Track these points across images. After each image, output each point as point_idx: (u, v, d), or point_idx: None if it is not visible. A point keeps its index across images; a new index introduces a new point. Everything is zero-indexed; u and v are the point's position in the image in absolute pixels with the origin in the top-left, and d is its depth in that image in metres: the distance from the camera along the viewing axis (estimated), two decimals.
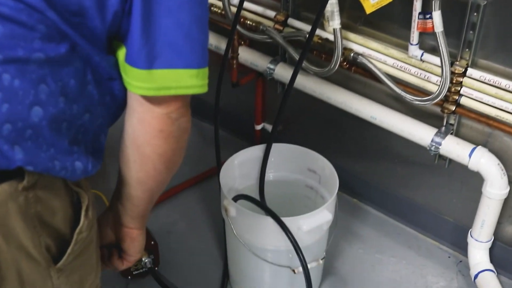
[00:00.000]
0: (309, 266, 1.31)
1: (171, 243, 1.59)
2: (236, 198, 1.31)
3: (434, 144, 1.37)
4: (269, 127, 1.78)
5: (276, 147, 1.44)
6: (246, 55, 1.64)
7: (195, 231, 1.63)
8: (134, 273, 1.44)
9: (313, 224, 1.26)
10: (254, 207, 1.32)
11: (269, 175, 1.47)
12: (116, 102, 0.72)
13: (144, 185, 0.79)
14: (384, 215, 1.66)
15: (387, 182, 1.63)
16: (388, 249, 1.57)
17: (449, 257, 1.54)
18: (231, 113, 1.90)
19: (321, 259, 1.35)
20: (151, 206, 0.85)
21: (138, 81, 0.67)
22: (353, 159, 1.69)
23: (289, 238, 1.23)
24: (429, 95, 1.33)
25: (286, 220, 1.24)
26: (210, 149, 1.67)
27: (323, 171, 1.41)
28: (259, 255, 1.30)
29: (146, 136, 0.72)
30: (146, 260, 1.41)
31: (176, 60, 0.67)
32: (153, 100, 0.69)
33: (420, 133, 1.39)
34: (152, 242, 1.45)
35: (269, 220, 1.24)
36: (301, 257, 1.24)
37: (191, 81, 0.68)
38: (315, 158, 1.42)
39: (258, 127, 1.81)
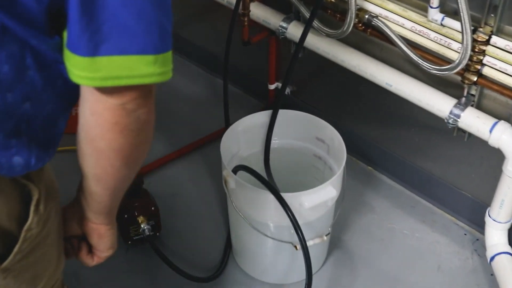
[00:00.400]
0: (312, 242, 1.25)
1: (175, 206, 1.54)
2: (236, 169, 1.24)
3: (452, 116, 1.26)
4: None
5: (283, 114, 1.36)
6: (258, 12, 1.53)
7: (201, 195, 1.57)
8: (134, 238, 1.39)
9: (316, 201, 1.18)
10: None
11: (275, 142, 1.39)
12: (70, 85, 0.63)
13: (103, 182, 0.71)
14: (399, 186, 1.57)
15: (403, 151, 1.53)
16: (400, 222, 1.49)
17: (465, 234, 1.46)
18: (245, 71, 1.81)
19: (326, 235, 1.28)
20: (117, 203, 0.77)
21: (80, 69, 0.58)
22: (368, 125, 1.59)
23: (288, 215, 1.16)
24: (450, 63, 1.22)
25: (286, 196, 1.16)
26: (222, 107, 1.59)
27: (332, 141, 1.32)
28: (259, 229, 1.24)
29: (99, 129, 0.63)
30: (145, 228, 1.36)
31: (127, 44, 0.57)
32: (104, 89, 0.60)
33: (438, 103, 1.29)
34: (153, 208, 1.40)
35: (269, 195, 1.17)
36: (301, 236, 1.17)
37: (147, 69, 0.59)
38: (324, 127, 1.33)
39: (272, 87, 1.72)
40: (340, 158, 1.27)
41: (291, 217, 1.16)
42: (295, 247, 1.23)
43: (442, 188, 1.48)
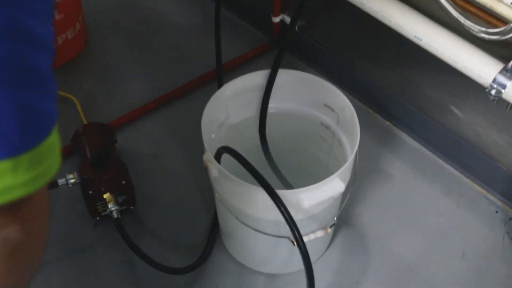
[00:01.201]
0: (313, 236, 1.03)
1: (154, 170, 1.31)
2: (220, 152, 0.99)
3: (496, 85, 0.99)
4: (288, 21, 1.40)
5: (284, 75, 1.09)
6: None
7: (185, 157, 1.32)
8: (102, 214, 1.18)
9: (319, 199, 0.95)
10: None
11: (273, 107, 1.13)
12: None
13: None
14: (422, 147, 1.32)
15: (430, 110, 1.27)
16: (421, 194, 1.25)
17: (496, 212, 1.22)
18: None
19: (330, 227, 1.06)
20: None
21: None
22: (390, 75, 1.32)
23: (284, 216, 0.92)
24: (499, 21, 0.93)
25: (282, 194, 0.92)
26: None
27: (343, 111, 1.06)
28: (250, 224, 1.02)
29: None
30: (113, 209, 1.13)
31: None
32: None
33: (479, 68, 1.02)
34: (124, 182, 1.16)
35: (261, 191, 0.93)
36: (298, 236, 0.93)
37: (1, 180, 0.39)
38: (334, 94, 1.06)
39: (276, 20, 1.43)
40: (352, 134, 1.02)
41: (286, 216, 0.92)
42: (292, 242, 1.00)
43: (474, 156, 1.23)
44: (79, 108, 1.38)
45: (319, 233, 1.04)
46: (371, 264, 1.16)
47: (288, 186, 1.15)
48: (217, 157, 0.99)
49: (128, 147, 1.34)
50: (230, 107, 1.10)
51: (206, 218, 1.21)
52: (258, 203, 0.96)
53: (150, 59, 1.51)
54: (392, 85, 1.32)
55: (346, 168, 0.97)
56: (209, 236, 1.18)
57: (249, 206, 0.99)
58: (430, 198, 1.24)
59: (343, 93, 1.05)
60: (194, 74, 1.45)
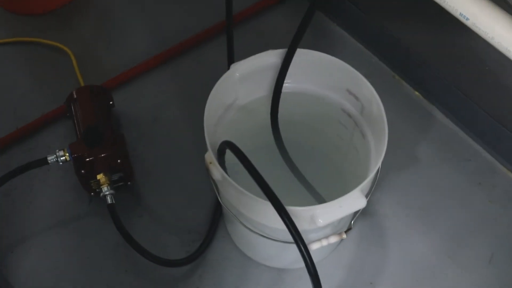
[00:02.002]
0: (326, 242, 0.91)
1: (155, 138, 1.18)
2: (223, 148, 0.86)
3: None
4: None
5: (301, 55, 0.93)
6: None
7: (191, 121, 1.19)
8: (97, 190, 1.07)
9: (335, 216, 0.83)
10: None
11: (288, 86, 0.99)
12: None
13: None
14: (455, 126, 1.18)
15: (468, 88, 1.12)
16: (449, 180, 1.12)
17: None
18: None
19: (346, 231, 0.94)
20: None
21: None
22: (425, 41, 1.16)
23: (290, 230, 0.80)
24: None
25: (293, 210, 0.81)
26: None
27: (369, 103, 0.92)
28: (255, 229, 0.91)
29: None
30: (107, 193, 1.02)
31: None
32: None
33: None
34: (119, 160, 1.05)
35: (269, 205, 0.81)
36: (305, 253, 0.82)
37: None
38: (359, 81, 0.92)
39: None
40: (379, 133, 0.89)
41: (293, 232, 0.80)
42: None
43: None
44: (75, 63, 1.24)
45: (333, 239, 0.92)
46: (387, 263, 1.05)
47: (297, 171, 1.03)
48: (220, 153, 0.86)
49: (127, 109, 1.21)
50: (239, 88, 0.96)
51: (209, 197, 1.10)
52: (267, 214, 0.84)
53: (154, 3, 1.34)
54: (426, 51, 1.16)
55: (368, 181, 0.84)
56: (211, 222, 1.07)
57: (255, 214, 0.87)
58: (459, 188, 1.12)
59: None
60: (203, 25, 1.29)
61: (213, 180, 0.88)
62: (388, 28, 1.18)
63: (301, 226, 0.84)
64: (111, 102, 1.15)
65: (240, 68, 0.93)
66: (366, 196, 0.90)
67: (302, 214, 0.82)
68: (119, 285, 1.03)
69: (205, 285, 1.03)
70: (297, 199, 1.03)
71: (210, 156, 0.85)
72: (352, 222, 0.95)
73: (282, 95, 0.97)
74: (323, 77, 0.96)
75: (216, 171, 0.84)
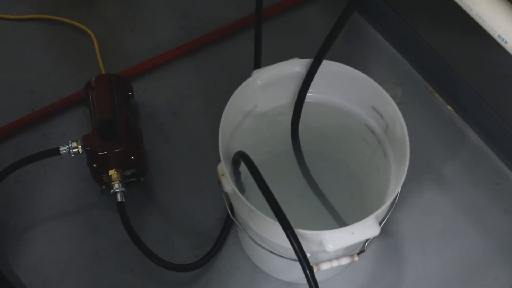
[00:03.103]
0: (337, 263, 0.87)
1: (172, 132, 1.15)
2: (236, 159, 0.82)
3: None
4: None
5: (327, 67, 0.88)
6: None
7: (211, 118, 1.14)
8: (108, 184, 1.05)
9: (346, 243, 0.79)
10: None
11: (311, 96, 0.94)
12: None
13: None
14: (487, 148, 1.11)
15: (504, 110, 1.05)
16: (474, 204, 1.07)
17: None
18: None
19: (358, 254, 0.90)
20: None
21: None
22: (463, 55, 1.09)
23: (296, 254, 0.76)
24: None
25: (303, 234, 0.77)
26: None
27: (393, 123, 0.87)
28: (263, 244, 0.87)
29: None
30: (118, 190, 1.00)
31: None
32: None
33: None
34: (133, 157, 1.02)
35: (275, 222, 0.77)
36: (310, 277, 0.78)
37: None
38: (384, 100, 0.87)
39: None
40: (401, 156, 0.84)
41: (300, 254, 0.76)
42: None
43: None
44: (97, 47, 1.21)
45: (344, 260, 0.88)
46: (400, 285, 1.01)
47: (314, 184, 0.99)
48: (235, 163, 0.83)
49: (147, 101, 1.18)
50: (259, 95, 0.92)
51: (223, 199, 1.06)
52: (276, 233, 0.81)
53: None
54: (463, 66, 1.10)
55: (384, 209, 0.79)
56: (223, 228, 1.04)
57: (264, 231, 0.83)
58: (484, 212, 1.06)
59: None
60: (233, 17, 1.24)
61: (224, 193, 0.84)
62: (425, 37, 1.12)
63: (310, 248, 0.80)
64: (130, 93, 1.11)
65: (262, 75, 0.88)
66: (382, 221, 0.86)
67: (311, 237, 0.78)
68: (123, 284, 1.01)
69: None
70: (312, 212, 1.00)
71: (222, 168, 0.81)
72: (366, 244, 0.91)
73: (304, 104, 0.93)
74: (348, 91, 0.91)
75: (227, 184, 0.81)
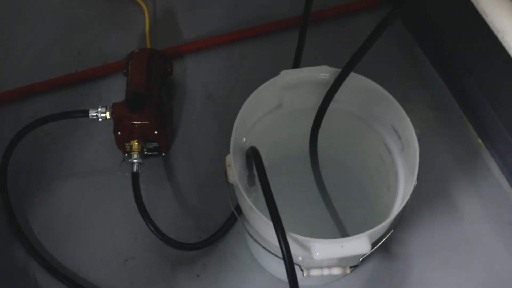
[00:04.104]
0: (328, 272, 0.88)
1: (203, 114, 1.18)
2: (249, 153, 0.85)
3: None
4: None
5: (355, 79, 0.89)
6: None
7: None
8: (129, 153, 1.08)
9: (334, 255, 0.79)
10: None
11: (334, 105, 0.94)
12: None
13: None
14: (510, 188, 1.10)
15: None
16: (487, 243, 1.05)
17: None
18: None
19: (351, 267, 0.91)
20: None
21: None
22: (501, 96, 1.07)
23: (282, 253, 0.78)
24: None
25: (292, 236, 0.78)
26: None
27: (408, 146, 0.87)
28: (259, 240, 0.89)
29: None
30: (135, 161, 1.03)
31: None
32: None
33: None
34: (156, 132, 1.05)
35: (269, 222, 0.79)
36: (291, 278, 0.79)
37: None
38: (404, 123, 0.86)
39: None
40: (408, 181, 0.84)
41: (287, 261, 0.78)
42: (302, 271, 0.88)
43: None
44: (147, 20, 1.24)
45: (335, 271, 0.89)
46: None
47: (324, 191, 1.00)
48: (248, 157, 0.85)
49: (185, 80, 1.21)
50: (284, 95, 0.93)
51: None
52: (270, 232, 0.82)
53: None
54: (501, 104, 1.08)
55: (379, 229, 0.80)
56: (229, 217, 1.06)
57: (260, 229, 0.85)
58: (491, 251, 1.05)
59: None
60: (288, 12, 1.25)
61: (228, 183, 0.86)
62: (469, 68, 1.11)
63: (300, 252, 0.82)
64: (169, 70, 1.14)
65: (289, 76, 0.89)
66: (380, 240, 0.87)
67: (302, 242, 0.79)
68: (125, 251, 1.04)
69: (206, 275, 1.03)
70: (318, 218, 1.01)
71: (230, 159, 0.83)
72: (361, 259, 0.91)
73: (328, 111, 0.93)
74: (372, 107, 0.91)
75: (232, 176, 0.83)
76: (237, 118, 0.85)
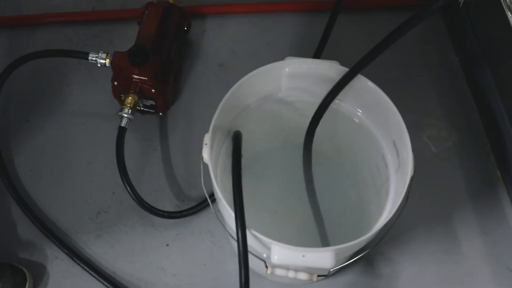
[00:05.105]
0: (294, 275, 0.83)
1: (212, 81, 1.12)
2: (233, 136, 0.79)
3: None
4: None
5: (361, 83, 0.81)
6: None
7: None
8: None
9: (293, 262, 0.74)
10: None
11: (337, 103, 0.88)
12: None
13: None
14: None
15: None
16: (475, 282, 0.97)
17: None
18: None
19: (319, 276, 0.84)
20: None
21: None
22: None
23: (238, 248, 0.73)
24: None
25: (254, 234, 0.73)
26: None
27: (404, 165, 0.80)
28: (225, 225, 0.84)
29: None
30: (125, 115, 0.98)
31: None
32: None
33: None
34: (153, 91, 1.00)
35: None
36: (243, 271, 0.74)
37: None
38: (404, 141, 0.79)
39: None
40: (394, 203, 0.77)
41: (241, 248, 0.72)
42: (266, 267, 0.82)
43: None
44: None
45: (301, 276, 0.83)
46: None
47: (311, 190, 0.94)
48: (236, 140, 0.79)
49: (201, 42, 1.15)
50: (284, 83, 0.86)
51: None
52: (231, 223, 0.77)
53: None
54: None
55: (348, 247, 0.73)
56: (212, 194, 1.00)
57: (225, 213, 0.80)
58: None
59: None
60: None
61: (203, 163, 0.81)
62: (503, 96, 1.01)
63: (263, 250, 0.76)
64: (185, 28, 1.08)
65: (294, 64, 0.83)
66: (353, 257, 0.80)
67: (264, 242, 0.73)
68: (101, 204, 1.01)
69: (175, 246, 0.98)
70: (297, 213, 0.95)
71: (207, 138, 0.78)
72: (332, 270, 0.85)
73: (330, 108, 0.86)
74: (377, 115, 0.84)
75: (206, 154, 0.77)
76: (226, 97, 0.79)
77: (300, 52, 1.08)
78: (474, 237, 1.00)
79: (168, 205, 1.01)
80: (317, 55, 1.04)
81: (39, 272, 0.95)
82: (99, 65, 0.99)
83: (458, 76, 1.14)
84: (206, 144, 0.78)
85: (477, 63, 1.08)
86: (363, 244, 0.77)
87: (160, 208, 0.99)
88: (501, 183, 1.04)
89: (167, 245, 0.98)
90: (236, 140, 0.77)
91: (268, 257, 0.80)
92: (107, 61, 0.98)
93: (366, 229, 0.86)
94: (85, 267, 0.95)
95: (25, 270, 0.92)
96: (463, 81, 1.13)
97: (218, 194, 0.74)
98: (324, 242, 0.93)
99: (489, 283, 0.97)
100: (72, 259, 0.96)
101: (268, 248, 0.75)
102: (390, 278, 0.97)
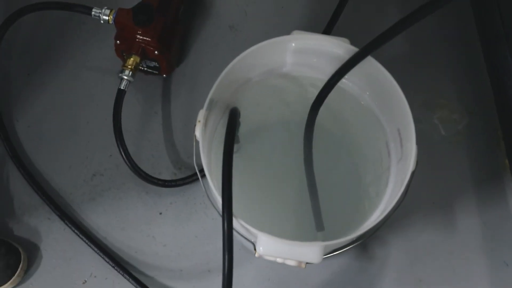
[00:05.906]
0: (282, 260, 0.80)
1: (219, 46, 1.08)
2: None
3: None
4: None
5: (370, 65, 0.76)
6: None
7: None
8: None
9: (278, 254, 0.71)
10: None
11: (344, 82, 0.83)
12: None
13: None
14: None
15: None
16: (466, 275, 0.95)
17: None
18: None
19: (306, 264, 0.82)
20: None
21: None
22: None
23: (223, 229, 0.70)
24: None
25: (245, 226, 0.70)
26: None
27: (406, 155, 0.76)
28: (214, 203, 0.82)
29: None
30: (125, 77, 0.94)
31: None
32: None
33: None
34: (156, 52, 0.96)
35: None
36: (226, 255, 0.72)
37: None
38: (409, 131, 0.75)
39: None
40: (393, 196, 0.74)
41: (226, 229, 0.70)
42: (255, 249, 0.80)
43: None
44: None
45: (290, 262, 0.81)
46: None
47: (310, 172, 0.90)
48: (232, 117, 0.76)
49: (211, 3, 1.09)
50: (289, 58, 0.81)
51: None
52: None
53: None
54: None
55: (337, 243, 0.71)
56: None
57: (215, 200, 0.77)
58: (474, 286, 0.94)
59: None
60: None
61: (195, 140, 0.78)
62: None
63: (251, 238, 0.74)
64: None
65: (301, 40, 0.78)
66: (342, 248, 0.78)
67: (251, 231, 0.71)
68: (97, 166, 0.99)
69: (168, 215, 0.97)
70: (294, 193, 0.92)
71: (201, 115, 0.74)
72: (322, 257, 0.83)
73: (336, 87, 0.82)
74: (383, 100, 0.79)
75: (198, 131, 0.74)
76: (225, 71, 0.75)
77: (316, 20, 1.02)
78: (473, 227, 0.97)
79: (165, 172, 0.98)
80: (328, 29, 0.99)
81: (32, 245, 0.94)
82: (101, 21, 0.95)
83: (477, 55, 1.08)
84: (199, 121, 0.74)
85: (498, 43, 1.02)
86: (354, 239, 0.74)
87: (156, 174, 0.96)
88: (507, 172, 1.00)
89: (160, 213, 0.97)
90: (232, 115, 0.74)
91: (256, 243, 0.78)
92: (110, 17, 0.94)
93: (362, 212, 0.83)
94: (76, 231, 0.93)
95: (21, 250, 0.90)
96: (482, 62, 1.07)
97: (210, 182, 0.71)
98: (318, 223, 0.90)
99: (483, 275, 0.94)
100: (64, 221, 0.94)
101: (254, 237, 0.73)
102: (382, 262, 0.95)
